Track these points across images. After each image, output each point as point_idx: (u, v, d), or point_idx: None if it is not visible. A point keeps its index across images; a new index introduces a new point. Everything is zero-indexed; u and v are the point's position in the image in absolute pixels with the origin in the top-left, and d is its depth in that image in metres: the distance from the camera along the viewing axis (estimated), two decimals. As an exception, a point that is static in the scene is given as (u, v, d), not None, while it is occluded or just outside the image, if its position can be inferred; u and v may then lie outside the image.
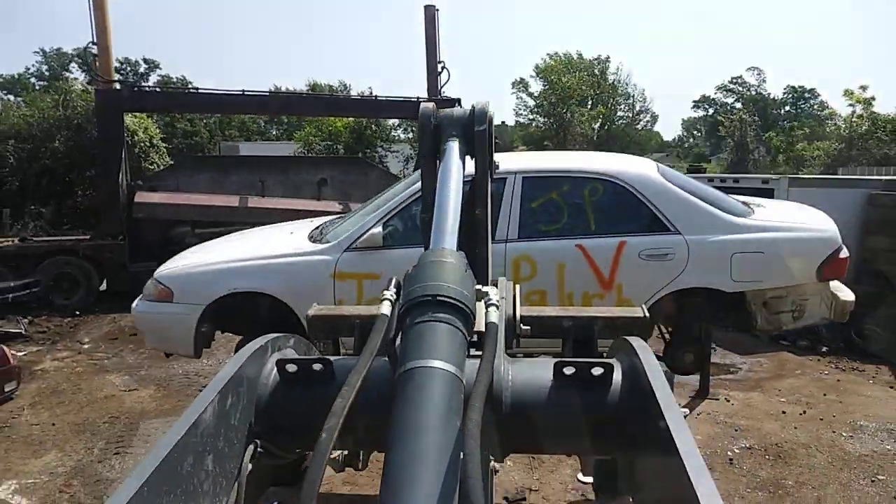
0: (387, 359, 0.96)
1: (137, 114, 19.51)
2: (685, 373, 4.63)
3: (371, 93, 22.12)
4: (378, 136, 29.16)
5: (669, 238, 4.50)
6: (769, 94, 60.56)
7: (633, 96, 53.68)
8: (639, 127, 55.25)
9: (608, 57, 50.16)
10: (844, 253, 4.65)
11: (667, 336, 4.87)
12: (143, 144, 18.99)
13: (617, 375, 1.01)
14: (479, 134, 1.33)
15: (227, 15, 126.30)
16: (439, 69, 13.95)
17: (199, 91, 14.61)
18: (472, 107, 1.35)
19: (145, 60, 52.70)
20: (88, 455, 4.70)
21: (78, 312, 10.01)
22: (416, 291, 0.94)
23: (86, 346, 8.06)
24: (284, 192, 12.66)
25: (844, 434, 5.30)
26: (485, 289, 1.02)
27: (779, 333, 7.93)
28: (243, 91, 12.63)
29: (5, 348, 5.90)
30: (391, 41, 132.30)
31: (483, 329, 0.95)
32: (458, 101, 13.72)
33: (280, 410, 1.03)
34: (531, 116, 42.71)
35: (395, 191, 5.07)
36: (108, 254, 10.68)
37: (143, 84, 43.34)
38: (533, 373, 1.02)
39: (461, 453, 0.74)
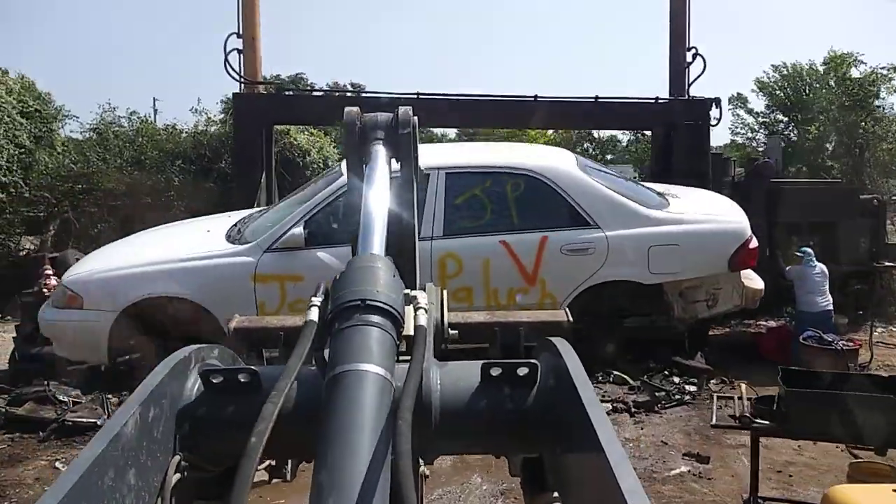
0: (314, 367, 0.95)
1: (313, 130, 16.83)
2: (606, 365, 4.68)
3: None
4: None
5: (589, 232, 4.58)
6: None
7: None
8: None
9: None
10: (754, 243, 4.79)
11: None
12: (315, 166, 16.14)
13: (541, 375, 1.03)
14: (403, 137, 1.35)
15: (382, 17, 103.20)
16: (689, 58, 10.31)
17: (364, 94, 10.88)
18: (396, 111, 1.37)
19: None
20: None
21: None
22: (345, 297, 0.94)
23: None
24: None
25: None
26: (413, 293, 1.04)
27: None
28: (418, 94, 9.45)
29: None
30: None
31: (412, 333, 0.97)
32: (717, 101, 10.20)
33: (205, 423, 1.01)
34: (750, 135, 32.74)
35: (315, 188, 4.98)
36: None
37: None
38: (460, 375, 1.03)
39: (391, 454, 0.76)
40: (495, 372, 1.02)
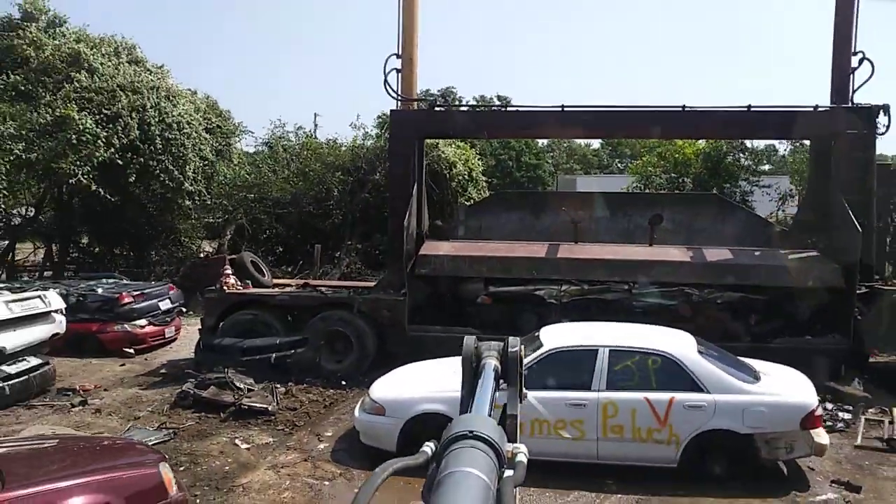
0: None
1: (460, 143, 18.23)
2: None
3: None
4: (740, 165, 22.40)
5: (702, 396, 6.70)
6: None
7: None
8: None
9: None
10: (819, 411, 6.61)
11: None
12: (461, 178, 17.72)
13: None
14: (511, 355, 1.55)
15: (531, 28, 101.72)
16: (855, 64, 9.83)
17: (509, 109, 11.87)
18: (506, 339, 1.61)
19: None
20: None
21: (344, 382, 8.81)
22: (453, 429, 1.15)
23: (321, 447, 7.25)
24: (611, 237, 10.60)
25: None
26: (515, 444, 1.22)
27: None
28: (563, 107, 10.05)
29: (165, 474, 4.70)
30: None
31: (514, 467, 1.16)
32: (885, 108, 9.48)
33: None
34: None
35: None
36: (386, 311, 9.13)
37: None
38: None
39: None
40: None
